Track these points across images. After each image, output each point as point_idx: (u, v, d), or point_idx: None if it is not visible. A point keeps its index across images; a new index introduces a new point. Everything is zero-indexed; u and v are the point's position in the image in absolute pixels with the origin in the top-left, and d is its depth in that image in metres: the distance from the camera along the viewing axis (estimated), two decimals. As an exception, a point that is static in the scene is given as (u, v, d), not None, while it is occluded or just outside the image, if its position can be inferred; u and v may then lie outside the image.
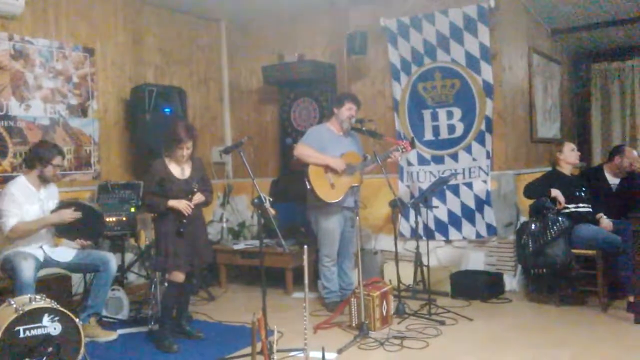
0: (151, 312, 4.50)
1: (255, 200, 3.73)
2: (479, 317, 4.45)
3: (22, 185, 4.06)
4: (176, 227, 3.95)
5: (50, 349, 3.13)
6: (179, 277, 3.99)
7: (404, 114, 5.61)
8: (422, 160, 5.54)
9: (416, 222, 4.86)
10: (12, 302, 3.31)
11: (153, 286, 4.59)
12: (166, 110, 5.41)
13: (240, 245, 5.83)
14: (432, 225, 5.40)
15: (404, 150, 4.71)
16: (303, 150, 4.65)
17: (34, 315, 3.17)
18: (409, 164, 5.58)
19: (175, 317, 4.21)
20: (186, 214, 3.94)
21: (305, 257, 3.26)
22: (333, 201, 4.59)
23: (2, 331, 3.06)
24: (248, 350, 3.47)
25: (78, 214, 4.04)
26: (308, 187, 4.57)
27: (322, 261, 4.79)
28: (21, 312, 3.14)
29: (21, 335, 3.13)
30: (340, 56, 5.89)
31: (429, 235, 5.17)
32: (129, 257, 5.39)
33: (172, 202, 3.94)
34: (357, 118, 4.81)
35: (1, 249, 4.03)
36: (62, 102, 5.14)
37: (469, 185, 5.33)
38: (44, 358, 3.11)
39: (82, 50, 5.31)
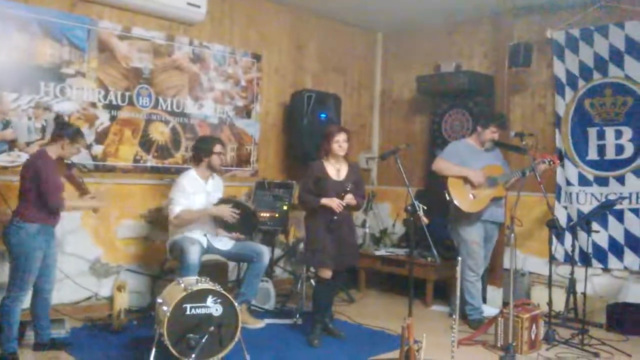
0: (296, 306, 4.69)
1: (409, 208, 3.73)
2: (638, 354, 4.07)
3: (191, 177, 4.46)
4: (326, 223, 4.09)
5: (211, 328, 3.38)
6: (326, 273, 4.14)
7: (567, 130, 5.30)
8: (583, 181, 5.19)
9: (573, 247, 4.56)
10: (181, 282, 3.64)
11: (300, 282, 4.78)
12: (322, 115, 5.62)
13: (381, 252, 5.90)
14: (589, 250, 5.02)
15: (551, 163, 4.48)
16: (441, 164, 4.70)
17: (200, 295, 3.44)
18: (568, 183, 5.26)
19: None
20: (337, 212, 4.07)
21: (458, 269, 3.22)
22: (473, 211, 4.57)
23: (172, 306, 3.37)
24: (392, 354, 3.50)
25: (236, 212, 4.35)
26: (447, 198, 4.58)
27: (466, 275, 4.68)
28: (190, 291, 3.44)
29: (187, 312, 3.40)
30: (499, 67, 5.70)
31: (585, 261, 4.83)
32: (277, 252, 5.67)
33: (325, 200, 4.10)
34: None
35: (171, 235, 4.46)
36: (230, 104, 5.56)
37: (636, 212, 4.90)
38: (206, 336, 3.36)
39: (250, 57, 5.70)
